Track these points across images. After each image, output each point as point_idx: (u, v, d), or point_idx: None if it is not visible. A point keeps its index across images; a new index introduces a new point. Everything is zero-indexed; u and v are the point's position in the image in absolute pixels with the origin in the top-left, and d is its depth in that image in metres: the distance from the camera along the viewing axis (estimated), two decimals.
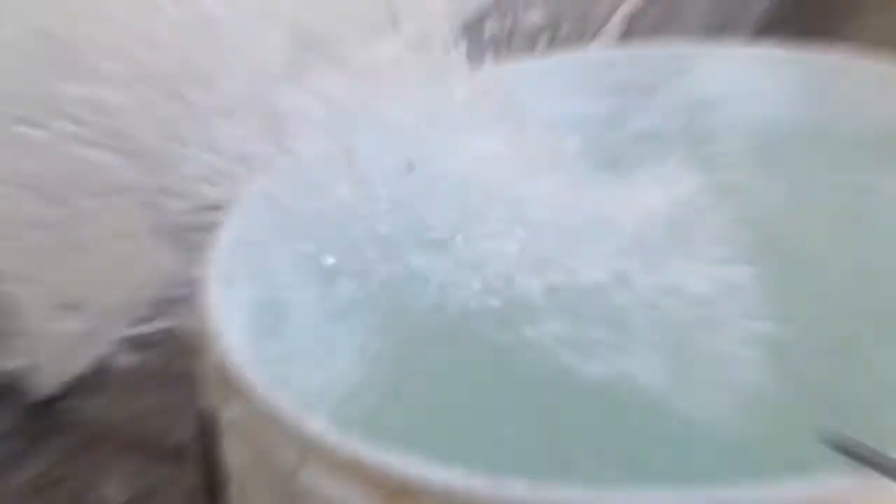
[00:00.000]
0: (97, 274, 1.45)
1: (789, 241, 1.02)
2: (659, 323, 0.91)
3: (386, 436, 0.71)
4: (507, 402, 0.93)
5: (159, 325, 1.39)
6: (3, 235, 1.31)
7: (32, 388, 1.39)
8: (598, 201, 1.01)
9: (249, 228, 0.93)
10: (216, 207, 0.97)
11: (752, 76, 1.13)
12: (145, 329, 1.43)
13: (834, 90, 1.09)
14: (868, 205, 1.04)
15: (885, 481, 0.58)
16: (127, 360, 1.42)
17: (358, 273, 0.99)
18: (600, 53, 1.18)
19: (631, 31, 1.75)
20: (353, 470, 0.66)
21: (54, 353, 1.41)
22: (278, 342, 0.92)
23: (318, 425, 0.68)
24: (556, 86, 1.16)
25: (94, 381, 1.41)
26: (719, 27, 2.05)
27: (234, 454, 0.77)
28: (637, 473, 0.84)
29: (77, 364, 1.43)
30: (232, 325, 0.81)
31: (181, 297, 1.43)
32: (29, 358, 1.38)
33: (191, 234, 0.96)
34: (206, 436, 0.84)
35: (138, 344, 1.44)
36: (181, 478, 1.26)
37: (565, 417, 0.91)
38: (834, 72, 1.09)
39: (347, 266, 0.99)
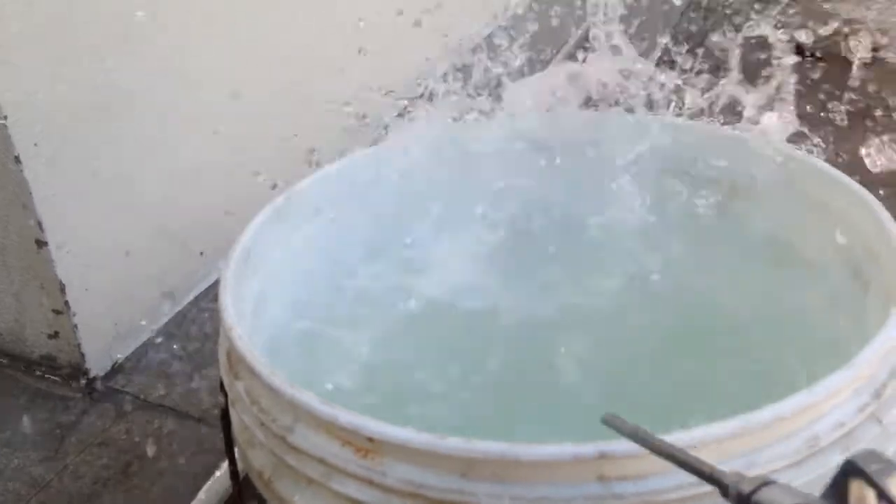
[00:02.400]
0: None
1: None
2: None
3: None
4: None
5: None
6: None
7: (92, 366, 1.41)
8: None
9: (257, 241, 0.93)
10: None
11: None
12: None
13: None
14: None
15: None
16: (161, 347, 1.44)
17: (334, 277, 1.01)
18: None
19: None
20: (333, 429, 0.68)
21: (107, 341, 1.43)
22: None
23: (306, 396, 0.70)
24: None
25: (135, 363, 1.45)
26: None
27: (242, 417, 0.78)
28: None
29: (124, 350, 1.46)
30: (241, 319, 0.81)
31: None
32: (89, 344, 1.40)
33: None
34: (225, 403, 0.86)
35: (170, 335, 1.47)
36: (205, 436, 1.28)
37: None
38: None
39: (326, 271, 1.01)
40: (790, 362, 0.86)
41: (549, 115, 1.01)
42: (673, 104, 0.99)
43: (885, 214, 0.84)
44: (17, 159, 1.25)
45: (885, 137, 0.98)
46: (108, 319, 1.42)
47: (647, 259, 0.99)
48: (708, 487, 0.63)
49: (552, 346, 0.95)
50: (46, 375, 1.42)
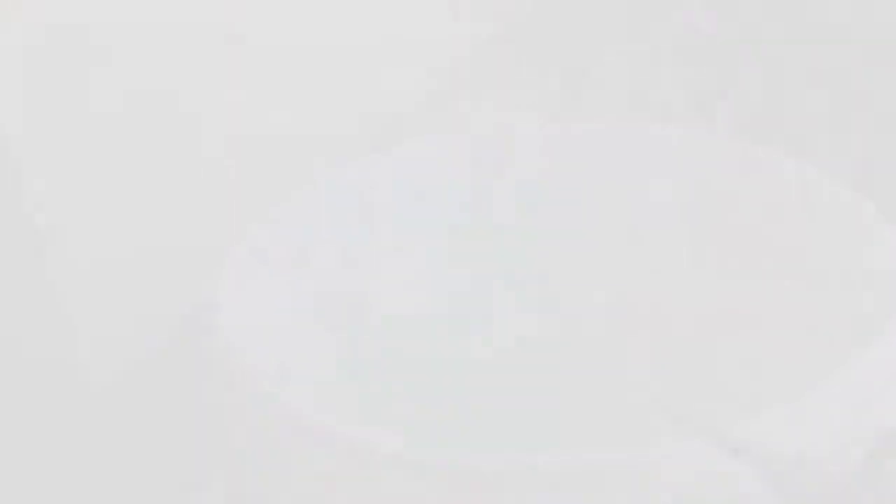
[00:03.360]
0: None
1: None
2: None
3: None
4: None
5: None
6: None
7: (96, 373, 1.41)
8: None
9: (256, 248, 0.96)
10: None
11: None
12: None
13: None
14: None
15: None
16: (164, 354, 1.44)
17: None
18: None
19: None
20: (328, 439, 0.69)
21: (111, 349, 1.43)
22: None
23: (301, 405, 0.72)
24: None
25: (140, 370, 1.45)
26: None
27: (239, 426, 0.80)
28: None
29: (129, 357, 1.46)
30: (239, 326, 0.84)
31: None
32: (93, 352, 1.40)
33: None
34: (222, 412, 0.87)
35: (173, 341, 1.47)
36: (204, 444, 1.28)
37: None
38: None
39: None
40: (783, 369, 0.86)
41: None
42: None
43: (880, 224, 0.84)
44: (19, 169, 1.25)
45: None
46: (112, 327, 1.42)
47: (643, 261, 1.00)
48: None
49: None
50: (49, 384, 1.42)
